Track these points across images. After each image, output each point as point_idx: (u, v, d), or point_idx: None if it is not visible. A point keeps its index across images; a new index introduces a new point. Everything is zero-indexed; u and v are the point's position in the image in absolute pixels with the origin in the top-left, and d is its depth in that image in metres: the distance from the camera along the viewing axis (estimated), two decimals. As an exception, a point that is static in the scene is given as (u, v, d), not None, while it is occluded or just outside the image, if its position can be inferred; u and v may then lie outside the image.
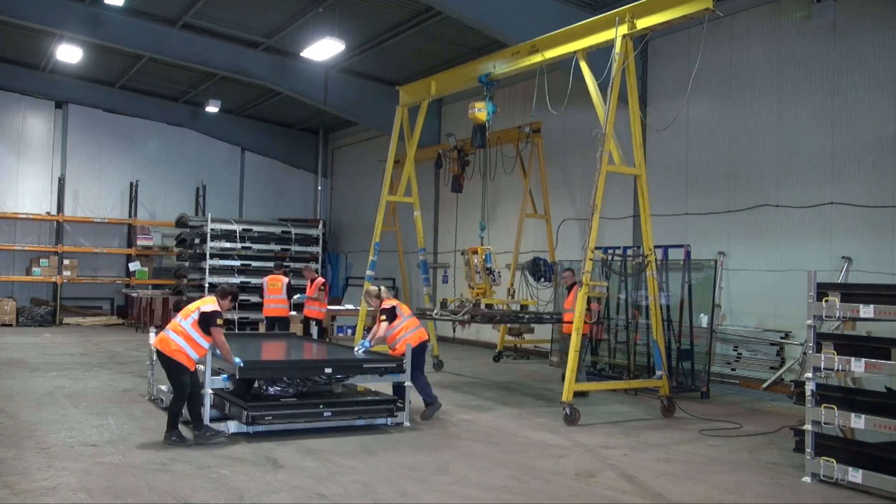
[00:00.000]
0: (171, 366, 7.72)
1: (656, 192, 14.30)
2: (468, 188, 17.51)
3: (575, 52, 10.58)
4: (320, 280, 14.32)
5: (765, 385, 11.77)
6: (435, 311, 11.90)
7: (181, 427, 7.77)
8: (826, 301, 6.77)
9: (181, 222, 21.31)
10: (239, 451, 7.46)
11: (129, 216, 23.25)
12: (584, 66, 10.41)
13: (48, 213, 22.27)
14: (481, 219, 12.71)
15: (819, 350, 6.86)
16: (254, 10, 16.68)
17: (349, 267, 24.70)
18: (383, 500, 6.04)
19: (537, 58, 11.34)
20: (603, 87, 10.07)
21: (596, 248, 13.68)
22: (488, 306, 11.81)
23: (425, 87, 14.11)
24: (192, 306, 7.95)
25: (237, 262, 20.46)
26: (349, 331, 15.06)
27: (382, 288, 9.84)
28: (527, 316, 12.19)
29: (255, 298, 17.23)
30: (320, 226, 23.03)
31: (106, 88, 22.80)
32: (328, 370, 8.54)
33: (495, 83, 12.31)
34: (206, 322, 7.71)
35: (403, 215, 18.35)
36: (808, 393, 6.90)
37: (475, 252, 11.87)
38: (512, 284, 15.98)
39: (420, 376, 9.25)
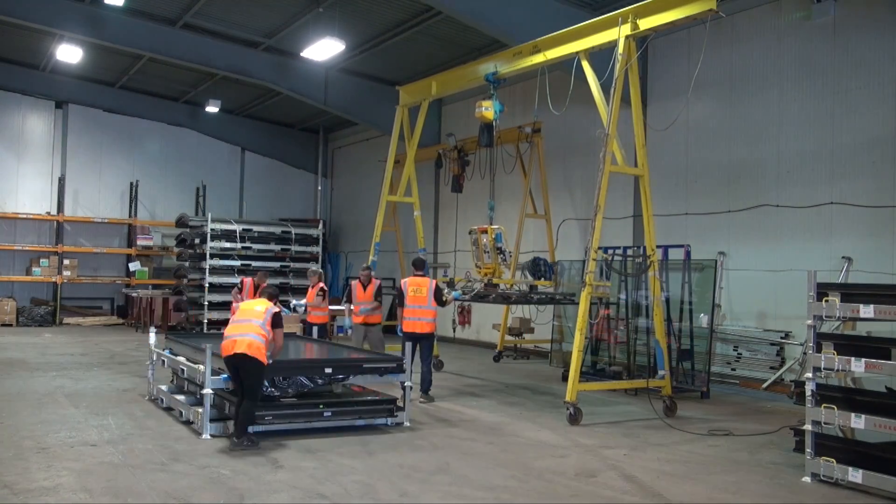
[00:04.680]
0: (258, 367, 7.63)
1: (656, 192, 14.21)
2: (468, 188, 17.51)
3: (577, 53, 10.58)
4: (320, 285, 13.67)
5: (765, 385, 11.77)
6: (446, 292, 11.57)
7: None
8: (826, 301, 6.77)
9: (181, 222, 21.29)
10: (239, 451, 7.45)
11: (129, 216, 23.25)
12: (586, 66, 10.39)
13: (48, 213, 22.27)
14: (490, 198, 12.76)
15: (819, 350, 6.86)
16: (254, 10, 16.68)
17: (349, 267, 24.70)
18: (383, 500, 6.04)
19: (539, 58, 11.34)
20: (605, 88, 10.07)
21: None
22: (496, 286, 11.83)
23: (426, 88, 14.11)
24: (258, 306, 7.99)
25: (237, 262, 20.45)
26: (350, 331, 14.99)
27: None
28: (537, 296, 12.26)
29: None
30: (320, 226, 23.02)
31: (106, 88, 22.80)
32: (328, 370, 8.54)
33: (501, 81, 12.32)
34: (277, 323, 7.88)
35: (403, 215, 18.36)
36: (808, 393, 6.89)
37: (484, 231, 11.89)
38: (512, 285, 15.98)
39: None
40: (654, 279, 10.38)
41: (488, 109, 11.71)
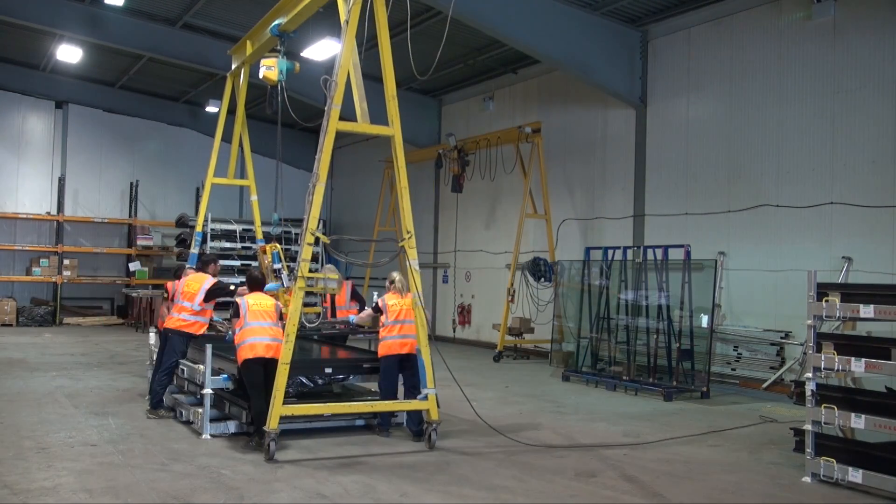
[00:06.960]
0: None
1: (656, 192, 14.32)
2: (468, 188, 17.54)
3: None
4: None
5: (765, 385, 11.77)
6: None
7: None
8: (826, 301, 6.77)
9: (181, 222, 21.30)
10: (239, 451, 7.46)
11: (129, 216, 23.25)
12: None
13: (48, 213, 22.27)
14: (274, 211, 10.52)
15: (819, 350, 6.86)
16: (254, 10, 16.64)
17: (348, 268, 24.68)
18: (383, 500, 6.04)
19: None
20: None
21: (595, 248, 13.79)
22: None
23: (242, 48, 12.56)
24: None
25: (237, 262, 20.44)
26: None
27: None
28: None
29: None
30: (320, 226, 23.00)
31: (106, 88, 22.81)
32: (328, 370, 8.54)
33: (290, 35, 10.30)
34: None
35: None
36: (808, 393, 6.90)
37: (264, 252, 9.76)
38: (512, 284, 16.02)
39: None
40: (412, 270, 8.09)
41: (271, 69, 9.75)
